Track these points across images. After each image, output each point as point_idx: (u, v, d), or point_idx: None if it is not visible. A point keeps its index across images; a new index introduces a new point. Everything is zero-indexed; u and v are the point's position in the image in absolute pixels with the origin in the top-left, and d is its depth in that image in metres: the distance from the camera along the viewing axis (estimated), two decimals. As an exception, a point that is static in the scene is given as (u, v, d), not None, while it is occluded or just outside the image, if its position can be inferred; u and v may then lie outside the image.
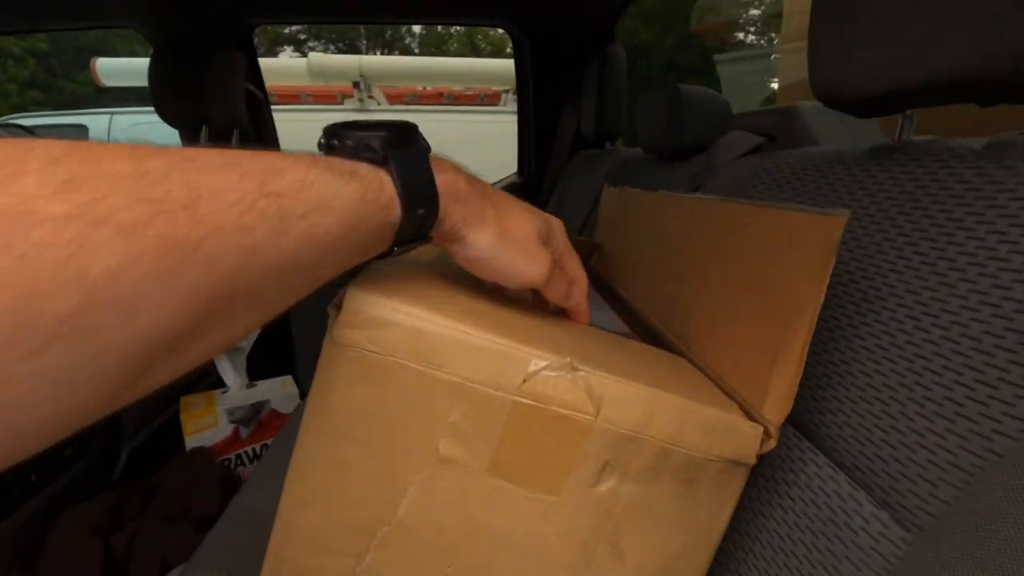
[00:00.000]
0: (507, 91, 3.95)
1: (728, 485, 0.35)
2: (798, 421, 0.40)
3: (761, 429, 0.33)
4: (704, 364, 0.43)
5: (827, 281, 0.32)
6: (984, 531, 0.25)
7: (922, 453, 0.31)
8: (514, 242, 0.34)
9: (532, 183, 1.71)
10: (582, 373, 0.32)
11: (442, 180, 0.30)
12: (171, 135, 1.47)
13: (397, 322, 0.30)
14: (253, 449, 1.31)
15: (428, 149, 0.31)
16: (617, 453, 0.33)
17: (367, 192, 0.27)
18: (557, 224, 0.38)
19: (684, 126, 0.82)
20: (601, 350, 0.37)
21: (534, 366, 0.31)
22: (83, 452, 0.99)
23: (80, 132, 3.41)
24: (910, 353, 0.34)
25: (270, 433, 1.33)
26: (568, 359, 0.32)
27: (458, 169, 0.33)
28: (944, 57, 0.35)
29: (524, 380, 0.31)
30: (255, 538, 0.40)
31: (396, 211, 0.28)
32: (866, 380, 0.36)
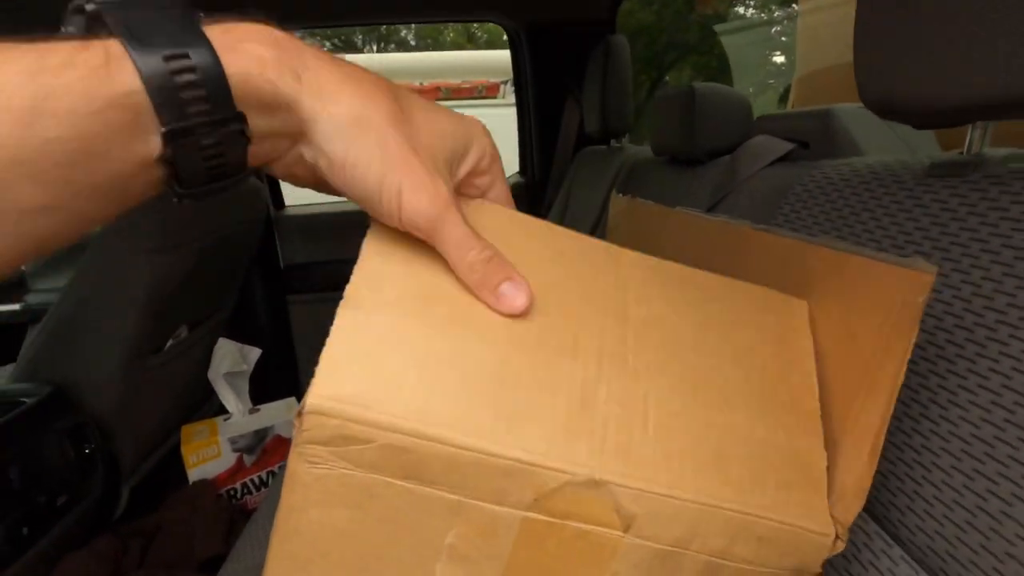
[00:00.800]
0: (506, 82, 3.86)
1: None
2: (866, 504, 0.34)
3: (832, 535, 0.27)
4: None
5: (908, 355, 0.26)
6: None
7: (1038, 567, 0.25)
8: (382, 136, 0.22)
9: (535, 183, 1.64)
10: (609, 487, 0.25)
11: (237, 51, 0.20)
12: None
13: (373, 437, 0.24)
14: (259, 477, 1.27)
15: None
16: (652, 570, 0.27)
17: (90, 81, 0.18)
18: (480, 135, 0.27)
19: (700, 129, 0.74)
20: (652, 416, 0.29)
21: (549, 483, 0.25)
22: (81, 496, 0.95)
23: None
24: (1012, 436, 0.27)
25: (275, 459, 1.28)
26: (591, 472, 0.25)
27: (269, 31, 0.22)
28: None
29: (536, 499, 0.25)
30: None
31: (141, 105, 0.18)
32: (951, 462, 0.30)
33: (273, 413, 1.30)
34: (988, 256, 0.32)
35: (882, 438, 0.27)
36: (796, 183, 0.49)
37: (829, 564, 0.35)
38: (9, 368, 1.09)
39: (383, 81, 0.25)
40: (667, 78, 6.04)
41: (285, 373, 1.60)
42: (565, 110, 1.49)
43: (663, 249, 0.57)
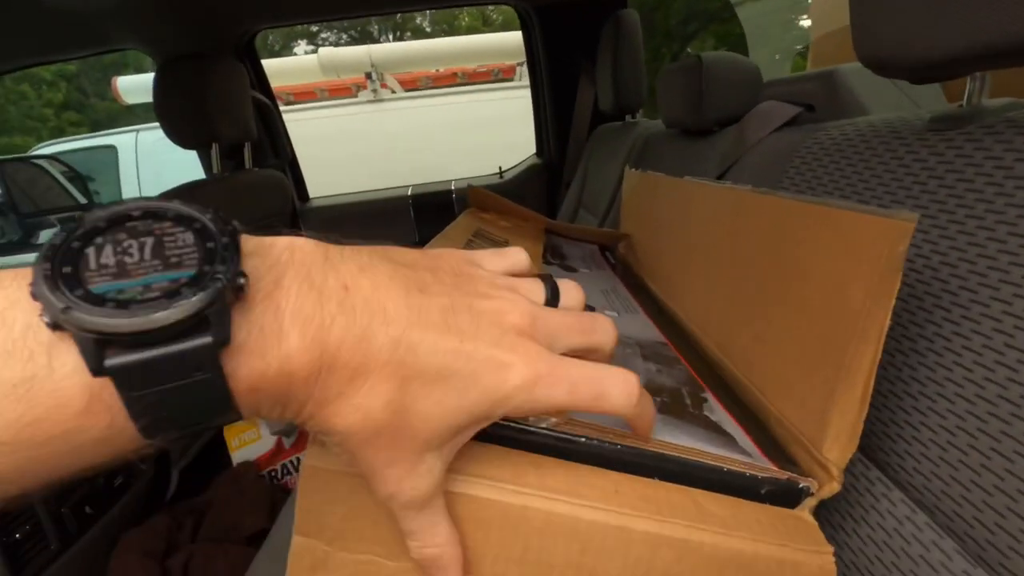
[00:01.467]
0: (521, 64, 3.83)
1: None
2: (865, 447, 0.35)
3: (830, 558, 0.28)
4: (751, 383, 0.38)
5: (893, 301, 0.27)
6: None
7: (1025, 498, 0.26)
8: (375, 447, 0.20)
9: (553, 163, 1.64)
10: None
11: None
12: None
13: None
14: (297, 458, 1.33)
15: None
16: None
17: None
18: (515, 393, 0.20)
19: (708, 99, 0.74)
20: None
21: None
22: (135, 478, 1.02)
23: (110, 152, 3.49)
24: (1001, 376, 0.28)
25: (313, 441, 1.33)
26: None
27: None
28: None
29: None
30: None
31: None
32: (947, 406, 0.31)
33: (308, 398, 1.35)
34: (983, 205, 0.32)
35: (872, 382, 0.28)
36: (801, 146, 0.50)
37: (835, 509, 0.37)
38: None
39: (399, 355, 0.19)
40: (689, 49, 5.90)
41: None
42: (579, 88, 1.49)
43: (673, 218, 0.58)
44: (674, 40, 5.92)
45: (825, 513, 0.37)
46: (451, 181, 1.79)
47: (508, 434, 0.26)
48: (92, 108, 9.29)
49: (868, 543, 0.33)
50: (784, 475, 0.28)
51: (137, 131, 3.48)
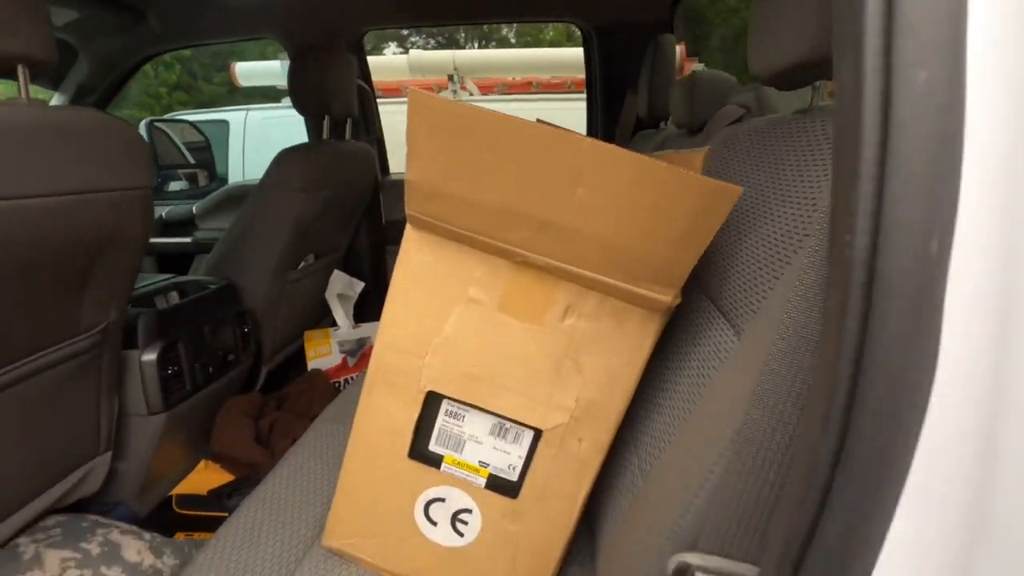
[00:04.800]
0: (592, 79, 4.08)
1: (648, 325, 0.54)
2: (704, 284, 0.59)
3: (671, 296, 0.52)
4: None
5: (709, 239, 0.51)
6: (778, 324, 0.44)
7: (748, 273, 0.49)
8: None
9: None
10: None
11: None
12: (291, 128, 1.81)
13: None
14: (358, 375, 1.63)
15: None
16: (573, 300, 0.54)
17: None
18: None
19: (696, 104, 0.98)
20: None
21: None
22: (240, 360, 1.34)
23: (222, 126, 4.00)
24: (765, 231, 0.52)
25: (370, 365, 1.64)
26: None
27: None
28: (823, 35, 0.52)
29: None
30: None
31: None
32: (751, 240, 0.54)
33: (369, 329, 1.66)
34: (814, 171, 0.56)
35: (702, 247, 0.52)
36: (735, 137, 0.73)
37: (676, 331, 0.60)
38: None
39: None
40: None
41: (379, 304, 1.96)
42: (626, 99, 1.73)
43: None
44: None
45: (671, 334, 0.60)
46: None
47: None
48: (199, 90, 10.19)
49: (681, 341, 0.57)
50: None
51: (247, 110, 3.97)
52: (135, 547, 0.90)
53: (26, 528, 0.89)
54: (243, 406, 1.27)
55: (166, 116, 2.91)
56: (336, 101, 1.48)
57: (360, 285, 1.74)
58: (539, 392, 0.56)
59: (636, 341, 0.55)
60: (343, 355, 1.60)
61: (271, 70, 4.06)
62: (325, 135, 1.58)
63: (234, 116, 4.04)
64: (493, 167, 0.48)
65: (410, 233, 0.56)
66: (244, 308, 1.36)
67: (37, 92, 0.86)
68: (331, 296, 1.64)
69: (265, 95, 4.68)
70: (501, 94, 4.32)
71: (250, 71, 4.23)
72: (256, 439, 1.22)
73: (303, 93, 1.44)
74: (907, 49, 0.24)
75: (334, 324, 1.68)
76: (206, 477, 1.22)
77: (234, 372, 1.31)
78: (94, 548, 0.87)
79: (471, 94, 4.02)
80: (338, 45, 1.74)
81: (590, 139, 0.46)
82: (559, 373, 0.56)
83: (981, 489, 0.26)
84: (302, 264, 1.54)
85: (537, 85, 4.48)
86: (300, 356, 1.61)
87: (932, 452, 0.25)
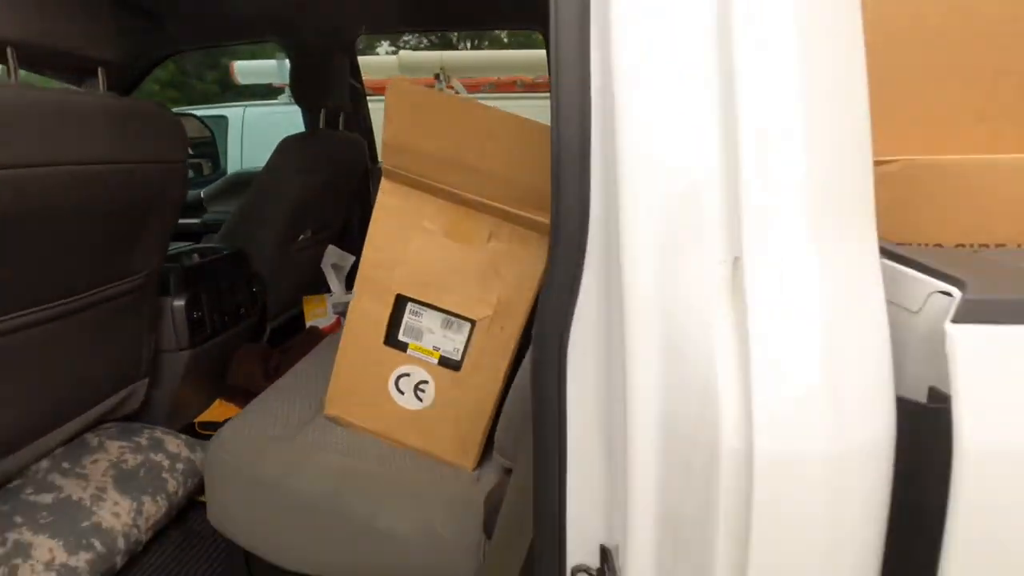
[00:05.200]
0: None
1: (544, 245, 0.80)
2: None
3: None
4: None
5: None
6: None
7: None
8: None
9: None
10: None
11: None
12: (287, 124, 2.06)
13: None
14: (349, 336, 1.88)
15: None
16: (494, 228, 0.80)
17: None
18: None
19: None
20: None
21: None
22: (250, 315, 1.58)
23: (222, 121, 4.23)
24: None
25: (360, 326, 1.89)
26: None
27: None
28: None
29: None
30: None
31: None
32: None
33: (361, 296, 1.91)
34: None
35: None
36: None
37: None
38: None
39: None
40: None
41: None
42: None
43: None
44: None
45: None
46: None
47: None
48: (191, 88, 10.32)
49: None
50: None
51: (245, 106, 4.21)
52: (174, 443, 1.15)
53: (88, 429, 1.14)
54: (254, 350, 1.52)
55: (173, 110, 3.15)
56: (332, 95, 1.73)
57: (351, 258, 1.99)
58: (472, 293, 0.82)
59: (536, 256, 0.80)
60: (336, 315, 1.85)
61: (268, 68, 4.29)
62: (321, 125, 1.83)
63: (232, 112, 4.27)
64: (438, 128, 0.74)
65: (384, 184, 0.81)
66: (252, 272, 1.61)
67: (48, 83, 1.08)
68: (326, 266, 1.89)
69: (255, 93, 4.91)
70: (488, 92, 4.57)
71: (248, 69, 4.46)
72: (264, 376, 1.47)
73: (303, 88, 1.69)
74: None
75: (329, 291, 1.93)
76: (223, 410, 1.47)
77: (244, 324, 1.56)
78: (143, 441, 1.12)
79: (456, 92, 4.27)
80: (334, 47, 1.99)
81: (495, 108, 0.72)
82: (485, 279, 0.81)
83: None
84: (301, 237, 1.79)
85: (521, 84, 4.73)
86: (300, 319, 1.86)
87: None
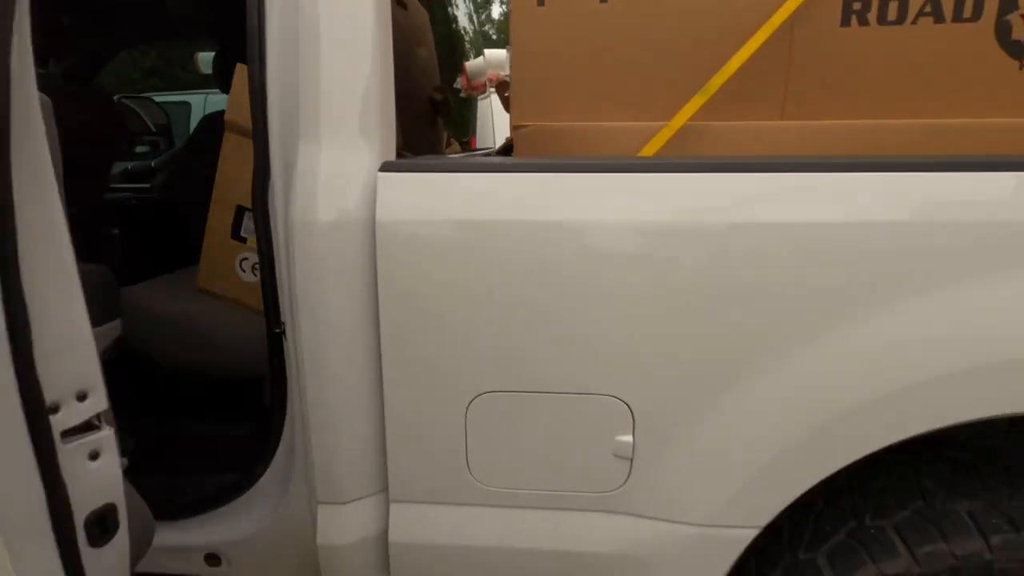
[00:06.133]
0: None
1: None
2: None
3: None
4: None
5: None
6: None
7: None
8: None
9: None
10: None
11: None
12: None
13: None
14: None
15: None
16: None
17: None
18: None
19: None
20: None
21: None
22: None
23: (184, 107, 4.67)
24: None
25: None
26: None
27: None
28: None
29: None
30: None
31: None
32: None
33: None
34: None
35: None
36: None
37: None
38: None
39: None
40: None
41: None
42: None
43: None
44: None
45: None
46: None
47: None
48: (174, 77, 10.62)
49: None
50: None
51: (207, 94, 4.67)
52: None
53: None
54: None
55: (132, 94, 3.58)
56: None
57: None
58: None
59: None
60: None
61: (227, 60, 4.71)
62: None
63: (196, 99, 4.73)
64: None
65: (230, 136, 1.31)
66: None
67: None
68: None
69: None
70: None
71: (209, 60, 4.90)
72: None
73: (224, 80, 2.18)
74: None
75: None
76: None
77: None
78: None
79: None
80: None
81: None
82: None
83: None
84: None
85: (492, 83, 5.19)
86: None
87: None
